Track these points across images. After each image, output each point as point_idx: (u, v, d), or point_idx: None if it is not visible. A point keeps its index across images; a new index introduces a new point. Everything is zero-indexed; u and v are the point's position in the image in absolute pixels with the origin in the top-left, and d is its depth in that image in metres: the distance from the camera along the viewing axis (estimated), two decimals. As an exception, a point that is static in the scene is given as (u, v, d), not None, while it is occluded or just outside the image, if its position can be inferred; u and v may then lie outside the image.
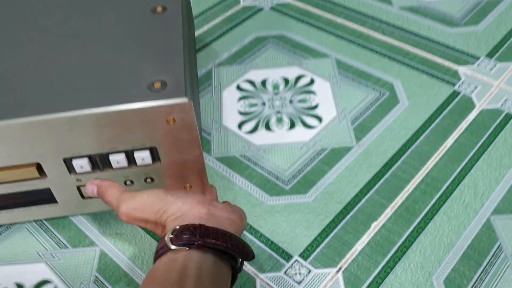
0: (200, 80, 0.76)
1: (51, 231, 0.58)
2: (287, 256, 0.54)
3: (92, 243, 0.57)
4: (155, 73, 0.47)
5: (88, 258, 0.55)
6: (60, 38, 0.52)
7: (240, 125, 0.68)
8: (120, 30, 0.53)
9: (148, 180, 0.51)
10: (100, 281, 0.53)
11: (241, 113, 0.70)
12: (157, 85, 0.45)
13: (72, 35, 0.52)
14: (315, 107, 0.70)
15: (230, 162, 0.64)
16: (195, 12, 0.89)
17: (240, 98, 0.72)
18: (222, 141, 0.66)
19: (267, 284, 0.52)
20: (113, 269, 0.54)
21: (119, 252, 0.56)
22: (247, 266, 0.53)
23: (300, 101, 0.71)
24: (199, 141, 0.48)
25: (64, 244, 0.57)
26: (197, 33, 0.85)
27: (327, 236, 0.55)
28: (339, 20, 0.85)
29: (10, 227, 0.59)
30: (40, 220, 0.59)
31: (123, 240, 0.57)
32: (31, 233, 0.58)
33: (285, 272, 0.53)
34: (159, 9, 0.55)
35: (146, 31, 0.52)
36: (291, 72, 0.75)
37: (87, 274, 0.54)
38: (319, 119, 0.68)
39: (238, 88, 0.74)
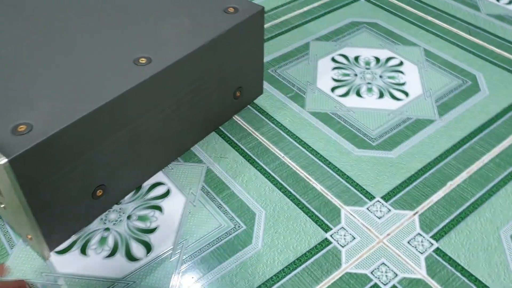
0: (297, 50, 0.85)
1: (164, 147, 0.67)
2: (370, 196, 0.61)
3: (200, 161, 0.66)
4: (23, 114, 0.47)
5: (197, 171, 0.64)
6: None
7: (333, 89, 0.76)
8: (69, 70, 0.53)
9: (2, 206, 0.51)
10: (207, 189, 0.62)
11: (335, 80, 0.78)
12: (22, 128, 0.45)
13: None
14: (403, 84, 0.77)
15: (322, 117, 0.72)
16: (296, -6, 0.99)
17: (334, 68, 0.80)
18: (315, 99, 0.75)
19: (351, 215, 0.59)
20: (217, 182, 0.63)
21: (223, 171, 0.64)
22: (333, 199, 0.61)
23: (389, 77, 0.78)
24: (21, 206, 0.46)
25: (177, 158, 0.66)
26: (296, 12, 0.94)
27: (407, 186, 0.62)
28: (429, 17, 0.92)
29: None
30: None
31: (226, 162, 0.65)
32: (148, 146, 0.68)
33: (367, 208, 0.60)
34: (143, 60, 0.54)
35: (99, 80, 0.52)
36: (382, 54, 0.83)
37: (196, 183, 0.63)
38: (406, 93, 0.75)
39: (333, 60, 0.82)
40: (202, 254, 0.55)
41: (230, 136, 0.69)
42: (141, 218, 0.59)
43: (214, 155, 0.66)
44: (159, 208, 0.60)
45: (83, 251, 0.56)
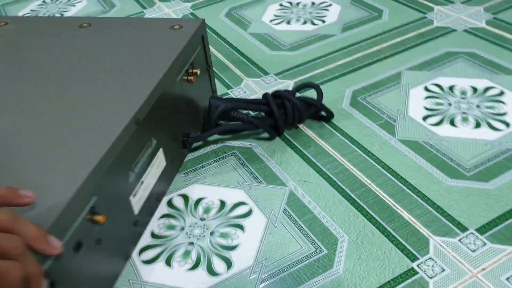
0: (388, 79, 0.83)
1: (250, 169, 0.69)
2: (462, 228, 0.57)
3: (283, 184, 0.66)
4: None
5: (279, 194, 0.64)
6: None
7: (425, 118, 0.73)
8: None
9: None
10: (289, 212, 0.62)
11: (427, 109, 0.75)
12: None
13: None
14: (503, 114, 0.72)
15: (412, 145, 0.69)
16: (389, 26, 0.98)
17: (427, 97, 0.78)
18: (406, 128, 0.72)
19: (441, 246, 0.55)
20: (299, 206, 0.62)
21: (306, 194, 0.64)
22: (421, 228, 0.57)
23: (487, 107, 0.74)
24: None
25: (260, 180, 0.67)
26: (388, 43, 0.93)
27: (506, 219, 0.57)
28: (534, 47, 0.86)
29: (218, 161, 0.71)
30: (242, 159, 0.70)
31: (309, 187, 0.65)
32: (234, 168, 0.69)
33: (459, 240, 0.56)
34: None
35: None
36: (480, 83, 0.79)
37: (278, 205, 0.63)
38: (507, 124, 0.70)
39: (426, 89, 0.79)
40: (281, 275, 0.55)
41: (315, 161, 0.69)
42: (223, 235, 0.60)
43: (297, 179, 0.66)
44: (241, 227, 0.60)
45: (168, 263, 0.57)
